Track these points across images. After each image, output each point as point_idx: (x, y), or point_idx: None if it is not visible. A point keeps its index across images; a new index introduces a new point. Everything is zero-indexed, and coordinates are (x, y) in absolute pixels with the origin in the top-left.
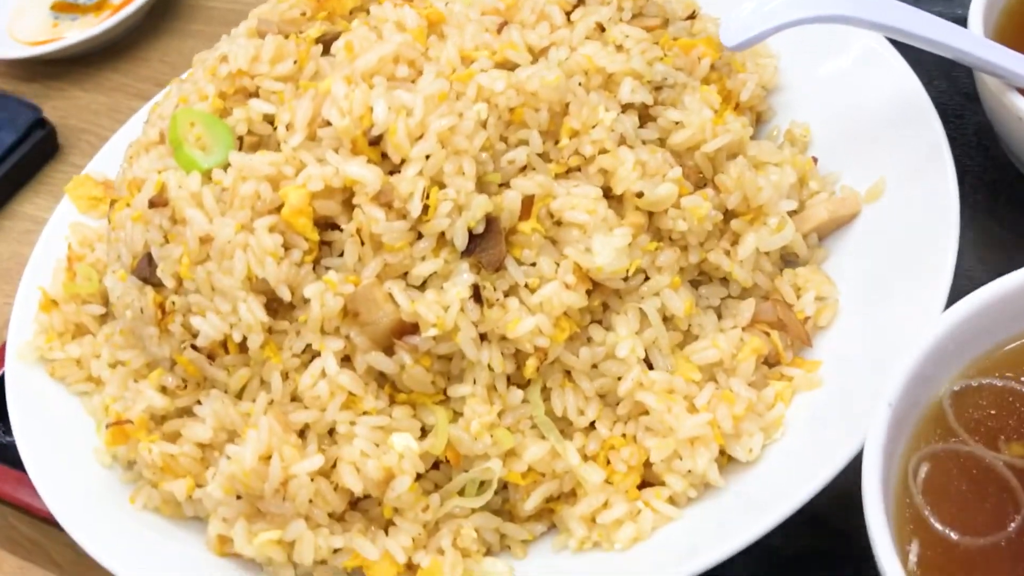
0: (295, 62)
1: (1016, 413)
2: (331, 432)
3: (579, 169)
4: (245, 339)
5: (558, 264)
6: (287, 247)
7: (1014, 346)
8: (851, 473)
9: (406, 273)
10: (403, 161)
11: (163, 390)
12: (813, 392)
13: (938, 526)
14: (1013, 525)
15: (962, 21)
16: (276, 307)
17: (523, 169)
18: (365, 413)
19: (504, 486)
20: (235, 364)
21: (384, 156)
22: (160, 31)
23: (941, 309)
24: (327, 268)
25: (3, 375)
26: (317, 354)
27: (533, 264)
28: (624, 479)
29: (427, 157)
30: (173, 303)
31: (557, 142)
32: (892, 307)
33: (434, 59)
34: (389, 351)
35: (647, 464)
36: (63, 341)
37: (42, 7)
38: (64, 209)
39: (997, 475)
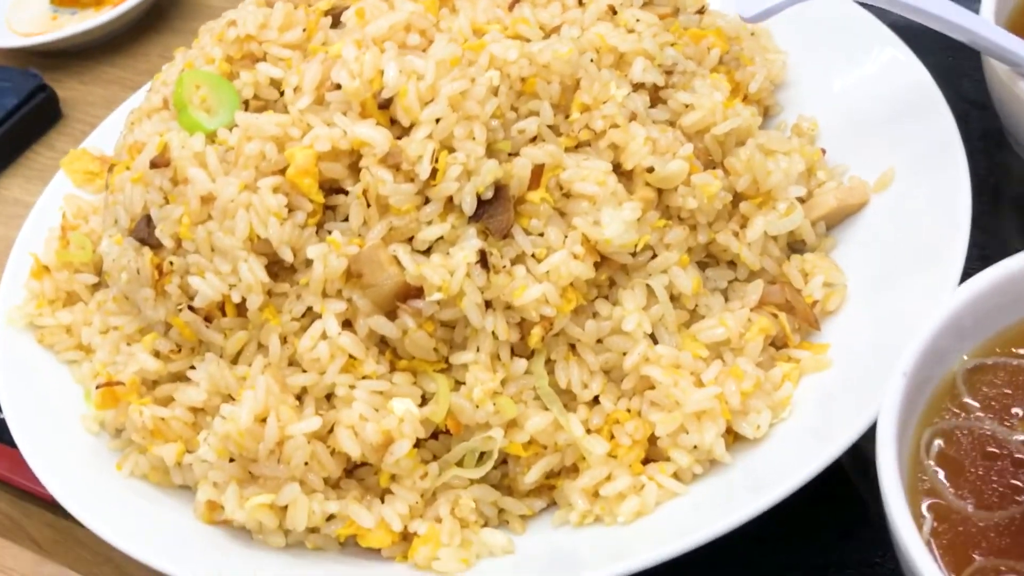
0: (304, 30)
1: None
2: (329, 398)
3: (589, 144)
4: (244, 301)
5: (566, 236)
6: (291, 208)
7: None
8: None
9: (411, 238)
10: (412, 126)
11: (156, 355)
12: (821, 374)
13: (953, 498)
14: None
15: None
16: (276, 271)
17: (533, 140)
18: (365, 377)
19: (504, 461)
20: (232, 327)
21: (393, 122)
22: (161, 28)
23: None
24: (330, 232)
25: None
26: (317, 317)
27: (541, 235)
28: (628, 452)
29: (437, 121)
30: (171, 263)
31: (567, 116)
32: (902, 294)
33: (445, 30)
34: (392, 315)
35: (652, 440)
36: (54, 308)
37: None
38: (59, 182)
39: (1010, 451)
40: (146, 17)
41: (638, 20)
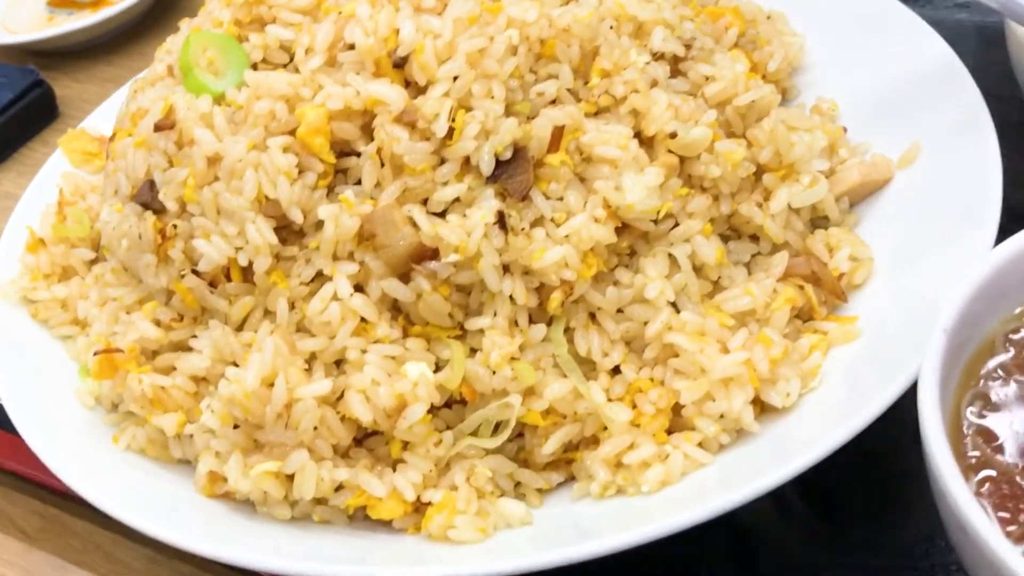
0: None
1: None
2: (339, 364)
3: (609, 110)
4: (250, 265)
5: (586, 201)
6: (301, 169)
7: None
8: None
9: (426, 200)
10: (428, 85)
11: (157, 323)
12: (849, 345)
13: (998, 460)
14: None
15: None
16: (285, 236)
17: (552, 103)
18: (377, 342)
19: (520, 434)
20: (238, 293)
21: (408, 84)
22: (158, 29)
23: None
24: (342, 195)
25: None
26: (328, 281)
27: (560, 199)
28: (652, 421)
29: (455, 79)
30: (175, 227)
31: (587, 83)
32: (932, 266)
33: None
34: (405, 278)
35: (675, 411)
36: (49, 283)
37: (38, 0)
38: (56, 161)
39: None
40: (142, 18)
41: None
